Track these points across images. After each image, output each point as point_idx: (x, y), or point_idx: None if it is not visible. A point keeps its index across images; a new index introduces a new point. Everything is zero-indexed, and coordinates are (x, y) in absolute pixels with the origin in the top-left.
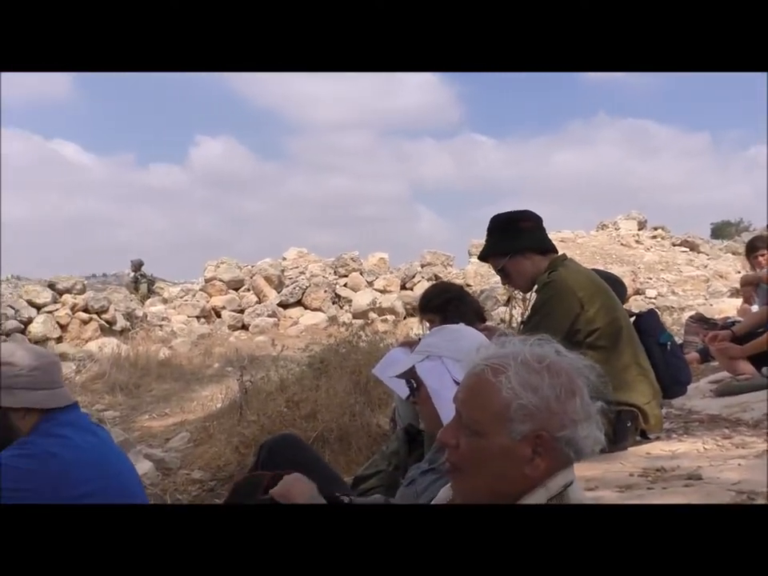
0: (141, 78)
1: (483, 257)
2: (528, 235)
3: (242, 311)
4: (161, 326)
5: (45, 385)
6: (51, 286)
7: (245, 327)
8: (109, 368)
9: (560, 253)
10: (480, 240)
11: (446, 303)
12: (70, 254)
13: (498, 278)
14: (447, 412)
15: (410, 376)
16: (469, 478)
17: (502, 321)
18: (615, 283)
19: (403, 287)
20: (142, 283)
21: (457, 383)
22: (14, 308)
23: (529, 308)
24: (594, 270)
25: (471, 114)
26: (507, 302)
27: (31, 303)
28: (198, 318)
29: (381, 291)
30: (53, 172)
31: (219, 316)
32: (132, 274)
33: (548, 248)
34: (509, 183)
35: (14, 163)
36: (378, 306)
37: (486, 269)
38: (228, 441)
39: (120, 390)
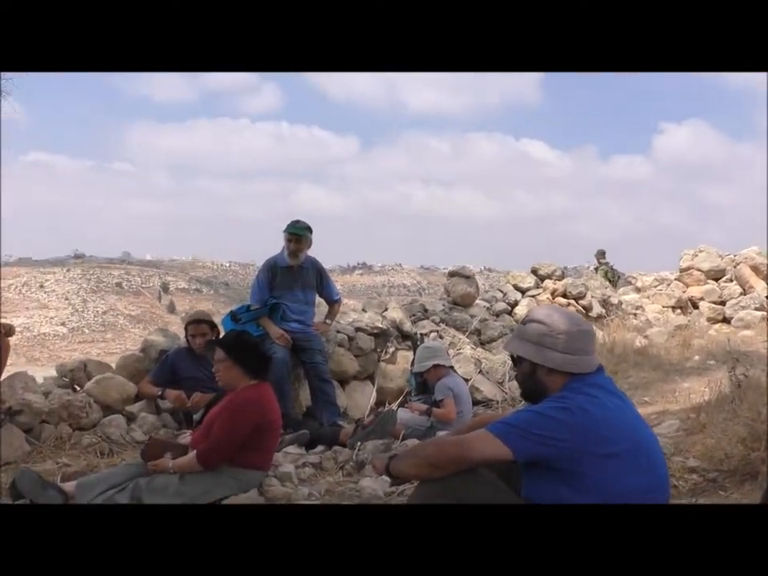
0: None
1: None
2: None
3: (722, 303)
4: (635, 314)
5: (570, 350)
6: (534, 272)
7: (726, 320)
8: None
9: None
10: None
11: None
12: (535, 248)
13: None
14: None
15: None
16: None
17: None
18: None
19: None
20: (606, 272)
21: None
22: (502, 291)
23: None
24: None
25: None
26: None
27: (516, 288)
28: (672, 308)
29: None
30: (520, 170)
31: (696, 307)
32: (595, 266)
33: None
34: None
35: (489, 165)
36: None
37: None
38: (726, 433)
39: None
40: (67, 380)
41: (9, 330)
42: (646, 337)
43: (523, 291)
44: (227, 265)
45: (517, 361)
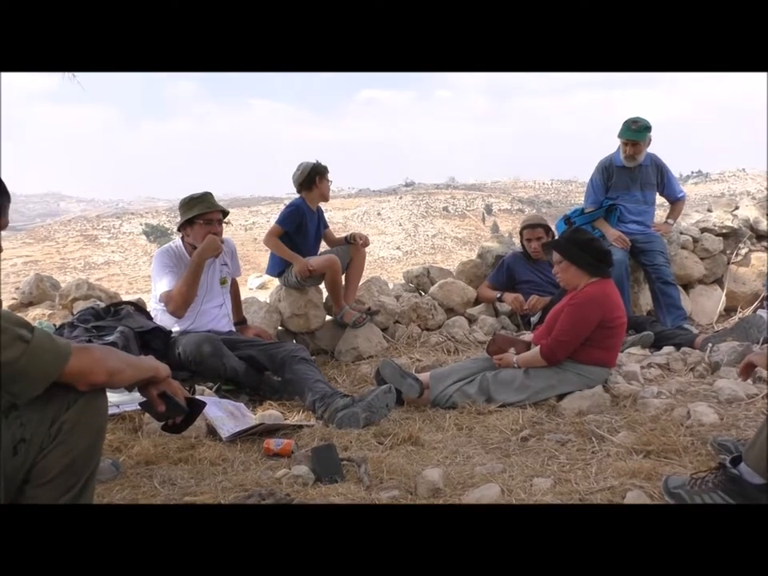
0: None
1: None
2: None
3: None
4: None
5: None
6: None
7: None
8: None
9: None
10: None
11: None
12: None
13: None
14: None
15: None
16: None
17: None
18: None
19: None
20: None
21: None
22: None
23: None
24: None
25: None
26: None
27: None
28: None
29: None
30: None
31: None
32: None
33: None
34: None
35: None
36: None
37: None
38: None
39: None
40: (413, 285)
41: (365, 241)
42: None
43: None
44: (549, 183)
45: None
